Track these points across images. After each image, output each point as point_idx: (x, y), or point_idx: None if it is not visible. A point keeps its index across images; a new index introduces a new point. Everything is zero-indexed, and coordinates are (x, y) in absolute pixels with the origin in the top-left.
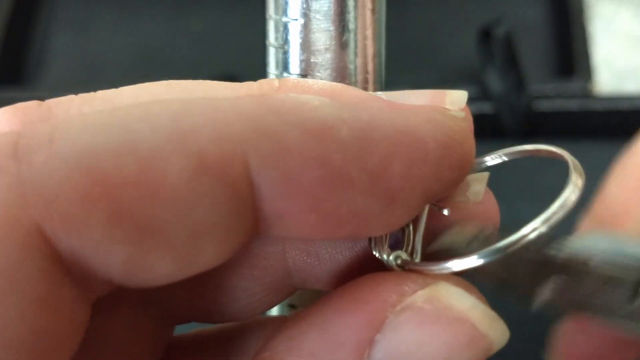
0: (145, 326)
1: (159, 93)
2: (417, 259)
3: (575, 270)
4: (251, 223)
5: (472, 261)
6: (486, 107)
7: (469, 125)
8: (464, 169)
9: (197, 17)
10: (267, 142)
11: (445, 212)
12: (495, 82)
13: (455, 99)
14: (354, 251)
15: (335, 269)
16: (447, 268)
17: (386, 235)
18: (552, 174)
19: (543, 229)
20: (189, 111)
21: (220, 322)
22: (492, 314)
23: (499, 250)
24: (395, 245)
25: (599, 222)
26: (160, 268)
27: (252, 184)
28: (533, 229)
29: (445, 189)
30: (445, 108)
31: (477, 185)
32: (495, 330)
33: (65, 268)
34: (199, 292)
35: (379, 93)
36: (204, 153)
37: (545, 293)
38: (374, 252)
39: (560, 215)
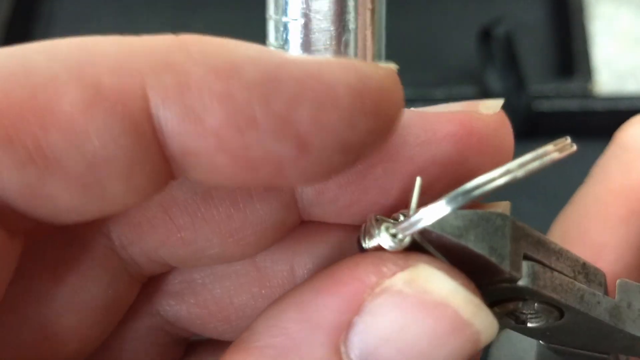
0: (160, 338)
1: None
2: (406, 241)
3: (549, 250)
4: (158, 160)
5: (441, 207)
6: None
7: (390, 74)
8: (384, 117)
9: (197, 17)
10: (169, 77)
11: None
12: (495, 82)
13: (490, 105)
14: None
15: None
16: (420, 219)
17: (377, 229)
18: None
19: (517, 173)
20: (91, 44)
21: (233, 340)
22: (476, 300)
23: (466, 191)
24: None
25: (567, 237)
26: (63, 198)
27: (153, 119)
28: (505, 171)
29: (362, 139)
30: (368, 62)
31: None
32: (480, 319)
33: None
34: (211, 310)
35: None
36: (100, 83)
37: (527, 271)
38: (364, 245)
39: (536, 165)
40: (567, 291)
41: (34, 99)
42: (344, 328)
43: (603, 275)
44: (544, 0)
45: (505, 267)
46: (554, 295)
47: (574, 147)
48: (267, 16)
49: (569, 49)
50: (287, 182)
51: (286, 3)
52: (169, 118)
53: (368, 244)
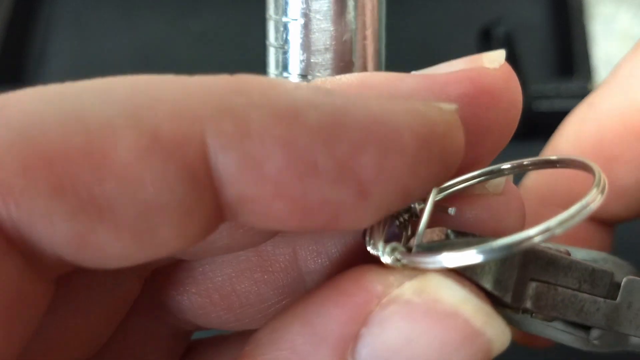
0: (162, 332)
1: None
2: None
3: (558, 268)
4: (212, 207)
5: (471, 256)
6: None
7: (454, 118)
8: (447, 164)
9: (197, 17)
10: (228, 122)
11: (451, 211)
12: None
13: (493, 57)
14: (366, 252)
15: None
16: (440, 262)
17: (383, 229)
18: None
19: (556, 231)
20: (147, 86)
21: (238, 330)
22: (488, 309)
23: (501, 248)
24: (391, 240)
25: (545, 175)
26: (112, 247)
27: (211, 166)
28: (541, 231)
29: (424, 185)
30: (430, 102)
31: (498, 178)
32: (492, 328)
33: (8, 240)
34: (213, 299)
35: (414, 73)
36: (158, 129)
37: (530, 293)
38: (368, 247)
39: (573, 222)
40: (567, 306)
41: (88, 146)
42: (351, 340)
43: (610, 274)
44: (544, 0)
45: (507, 299)
46: (552, 313)
47: (607, 190)
48: (267, 16)
49: (569, 49)
50: (342, 227)
51: (286, 3)
52: (227, 165)
53: (371, 249)
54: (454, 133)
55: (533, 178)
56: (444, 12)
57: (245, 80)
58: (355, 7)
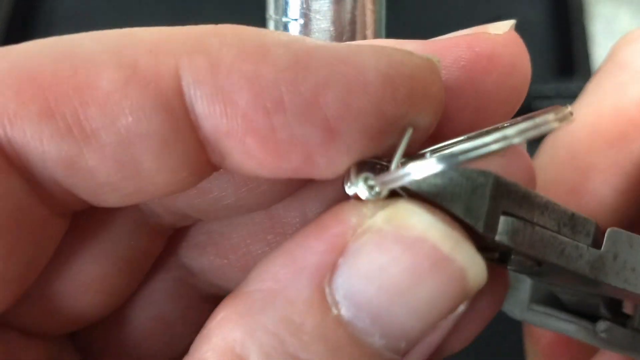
0: (187, 294)
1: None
2: (383, 193)
3: (534, 205)
4: (192, 143)
5: (432, 165)
6: None
7: (425, 62)
8: (417, 106)
9: (197, 17)
10: (201, 58)
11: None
12: None
13: (499, 25)
14: None
15: None
16: (408, 173)
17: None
18: None
19: (513, 140)
20: (133, 30)
21: None
22: (456, 234)
23: (459, 153)
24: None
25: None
26: (100, 172)
27: (185, 99)
28: (501, 137)
29: (391, 126)
30: (404, 50)
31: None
32: (462, 255)
33: (7, 158)
34: (230, 259)
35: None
36: (137, 63)
37: (505, 228)
38: (345, 186)
39: (534, 132)
40: (547, 246)
41: (75, 76)
42: (328, 270)
43: (593, 224)
44: (544, 0)
45: (479, 227)
46: (531, 252)
47: (574, 117)
48: (267, 16)
49: (569, 49)
50: (316, 171)
51: (286, 3)
52: (199, 98)
53: (348, 190)
54: (424, 75)
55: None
56: (443, 12)
57: (223, 26)
58: (355, 7)
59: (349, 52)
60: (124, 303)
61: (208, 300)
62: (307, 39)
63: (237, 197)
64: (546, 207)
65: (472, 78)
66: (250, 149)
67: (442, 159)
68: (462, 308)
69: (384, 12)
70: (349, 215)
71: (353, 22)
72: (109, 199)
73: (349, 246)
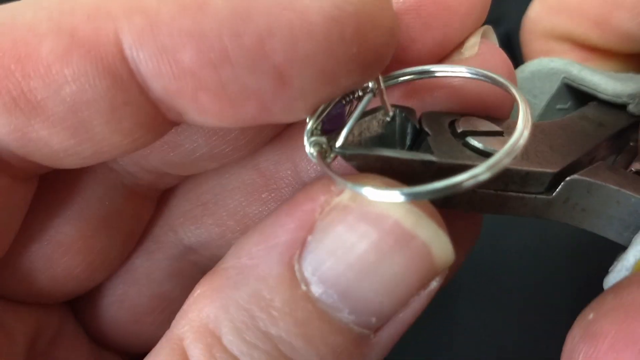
0: (188, 272)
1: None
2: (337, 145)
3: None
4: (143, 104)
5: (394, 196)
6: None
7: (381, 3)
8: (367, 46)
9: None
10: (139, 18)
11: (388, 117)
12: None
13: None
14: None
15: None
16: (364, 195)
17: (322, 120)
18: None
19: (484, 176)
20: (78, 2)
21: None
22: (418, 211)
23: (428, 192)
24: (333, 120)
25: (548, 7)
26: (53, 141)
27: (129, 62)
28: (473, 175)
29: (345, 67)
30: None
31: (471, 39)
32: (425, 230)
33: None
34: (229, 225)
35: None
36: (76, 31)
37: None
38: (304, 138)
39: (502, 165)
40: (485, 203)
41: (15, 48)
42: (298, 246)
43: (549, 175)
44: None
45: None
46: (469, 208)
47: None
48: None
49: None
50: (275, 117)
51: None
52: (142, 59)
53: (305, 136)
54: (373, 11)
55: (536, 10)
56: None
57: None
58: None
59: None
60: (116, 270)
61: (203, 271)
62: None
63: (210, 146)
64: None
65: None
66: (204, 104)
67: (406, 194)
68: (434, 284)
69: None
70: (318, 193)
71: None
72: (68, 162)
73: (317, 223)
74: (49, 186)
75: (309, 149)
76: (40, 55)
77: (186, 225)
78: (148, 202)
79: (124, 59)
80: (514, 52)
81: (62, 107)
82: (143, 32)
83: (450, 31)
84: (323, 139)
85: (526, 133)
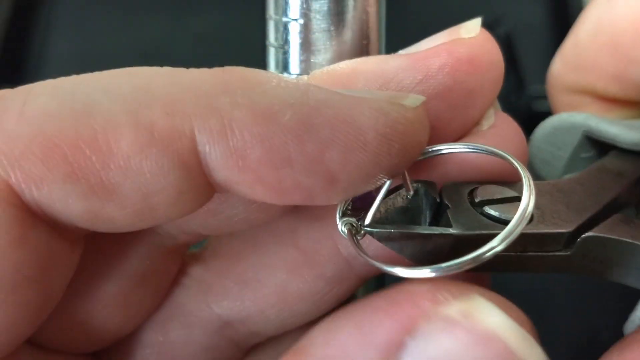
0: (222, 344)
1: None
2: (366, 224)
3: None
4: (204, 188)
5: (424, 273)
6: None
7: (415, 117)
8: (407, 156)
9: (197, 17)
10: (214, 120)
11: (410, 194)
12: None
13: (470, 27)
14: None
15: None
16: (396, 273)
17: (352, 200)
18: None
19: (500, 247)
20: (147, 82)
21: (293, 327)
22: (528, 337)
23: (450, 267)
24: (362, 201)
25: (568, 65)
26: (120, 220)
27: (200, 156)
28: (489, 248)
29: (386, 173)
30: (395, 100)
31: (488, 112)
32: (528, 354)
33: (34, 215)
34: (270, 301)
35: (400, 52)
36: (154, 126)
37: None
38: (337, 217)
39: (514, 235)
40: (508, 264)
41: (96, 140)
42: (397, 347)
43: (565, 235)
44: (544, 0)
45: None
46: (491, 269)
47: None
48: (267, 16)
49: None
50: (315, 204)
51: (286, 3)
52: (214, 156)
53: (337, 216)
54: (416, 130)
55: (557, 67)
56: (443, 12)
57: (232, 78)
58: (355, 7)
59: (350, 112)
60: (142, 321)
61: (239, 346)
62: (313, 94)
63: (247, 212)
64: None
65: (458, 81)
66: (257, 192)
67: (436, 270)
68: None
69: (384, 11)
70: (423, 298)
71: (353, 22)
72: (121, 231)
73: (419, 328)
74: (95, 246)
75: (341, 228)
76: (120, 148)
77: (225, 302)
78: (178, 257)
79: (197, 154)
80: (514, 52)
81: (136, 194)
82: (218, 133)
83: (473, 112)
84: (353, 219)
85: (532, 201)
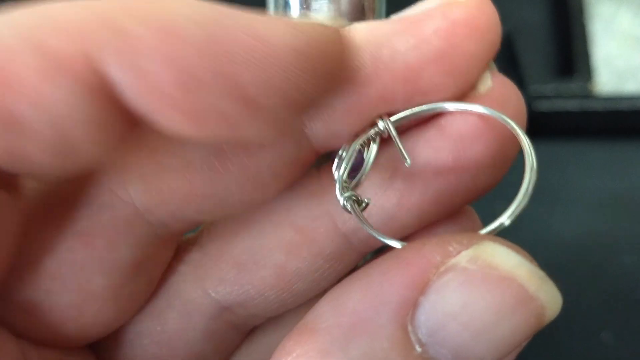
0: (220, 328)
1: None
2: (351, 187)
3: None
4: (120, 118)
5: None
6: None
7: (332, 36)
8: (331, 78)
9: None
10: (119, 41)
11: (407, 163)
12: None
13: None
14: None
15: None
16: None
17: (347, 160)
18: (554, 173)
19: (505, 223)
20: (48, 11)
21: (294, 306)
22: (541, 273)
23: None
24: (356, 169)
25: None
26: (40, 160)
27: (110, 82)
28: (498, 225)
29: (307, 95)
30: (315, 24)
31: (485, 75)
32: (545, 293)
33: None
34: (269, 282)
35: (393, 16)
36: (57, 52)
37: None
38: (337, 192)
39: (520, 208)
40: None
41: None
42: (410, 306)
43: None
44: (544, 0)
45: None
46: None
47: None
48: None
49: (569, 49)
50: (246, 139)
51: (286, 3)
52: (123, 80)
53: (337, 191)
54: (332, 48)
55: None
56: None
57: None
58: (355, 7)
59: (263, 29)
60: (137, 312)
61: (239, 328)
62: (223, 13)
63: (242, 194)
64: None
65: (454, 45)
66: (175, 120)
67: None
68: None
69: (384, 13)
70: (432, 253)
71: (354, 21)
72: (47, 175)
73: (431, 283)
74: (82, 237)
75: (343, 202)
76: (25, 77)
77: (223, 287)
78: (171, 245)
79: (107, 80)
80: (514, 52)
81: (50, 128)
82: (123, 54)
83: (471, 76)
84: (355, 193)
85: (534, 176)
